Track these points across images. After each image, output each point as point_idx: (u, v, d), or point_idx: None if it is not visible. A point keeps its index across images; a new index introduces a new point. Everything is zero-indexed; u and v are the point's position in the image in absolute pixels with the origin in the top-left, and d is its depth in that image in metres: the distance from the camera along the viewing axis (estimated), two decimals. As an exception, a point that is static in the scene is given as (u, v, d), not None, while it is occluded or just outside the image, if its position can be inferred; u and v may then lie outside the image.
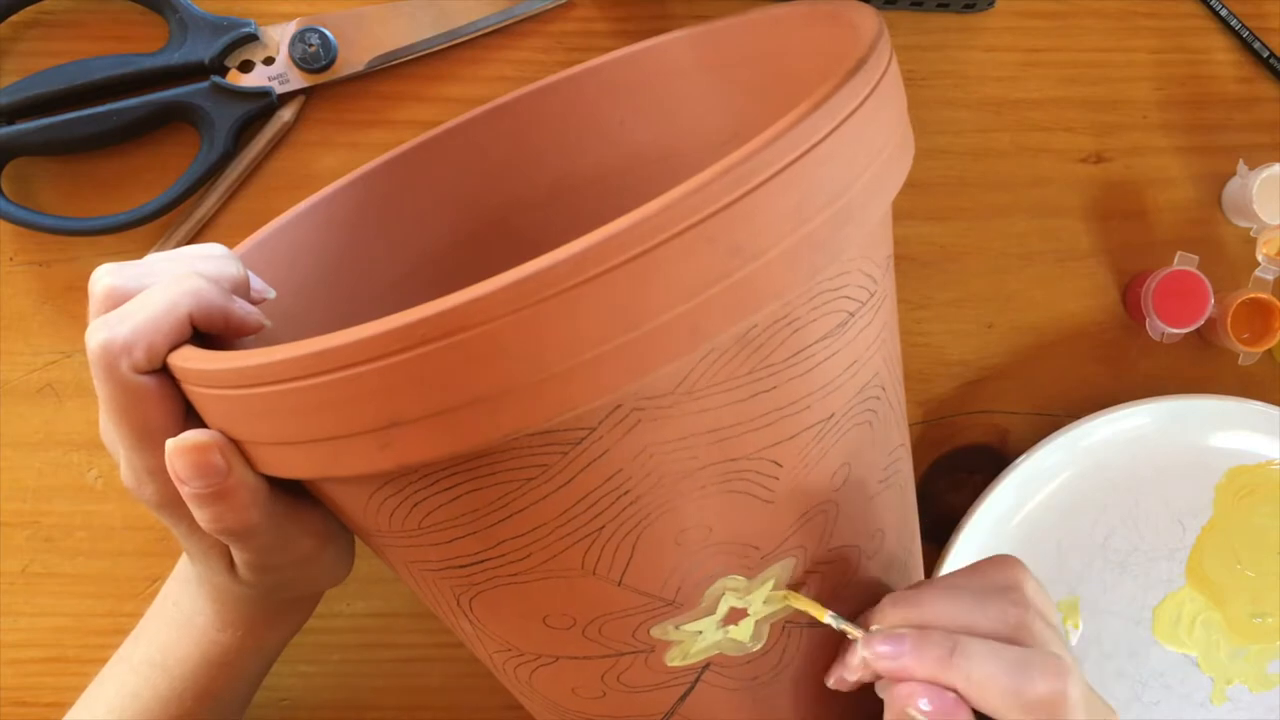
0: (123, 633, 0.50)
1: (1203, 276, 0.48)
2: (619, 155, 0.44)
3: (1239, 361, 0.51)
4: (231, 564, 0.33)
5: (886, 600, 0.32)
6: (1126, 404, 0.50)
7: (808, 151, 0.25)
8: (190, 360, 0.28)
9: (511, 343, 0.23)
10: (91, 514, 0.50)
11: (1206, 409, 0.50)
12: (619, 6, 0.49)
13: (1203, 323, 0.49)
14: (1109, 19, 0.51)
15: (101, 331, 0.29)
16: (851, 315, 0.29)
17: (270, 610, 0.38)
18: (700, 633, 0.30)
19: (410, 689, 0.51)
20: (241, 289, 0.32)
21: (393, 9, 0.48)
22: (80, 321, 0.49)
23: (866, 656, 0.30)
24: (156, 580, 0.50)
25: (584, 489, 0.27)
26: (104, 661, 0.50)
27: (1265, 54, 0.51)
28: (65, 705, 0.50)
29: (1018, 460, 0.49)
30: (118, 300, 0.30)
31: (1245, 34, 0.51)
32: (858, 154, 0.27)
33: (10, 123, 0.46)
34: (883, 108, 0.28)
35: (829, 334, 0.28)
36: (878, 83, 0.28)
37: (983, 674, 0.28)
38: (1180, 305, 0.49)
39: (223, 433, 0.29)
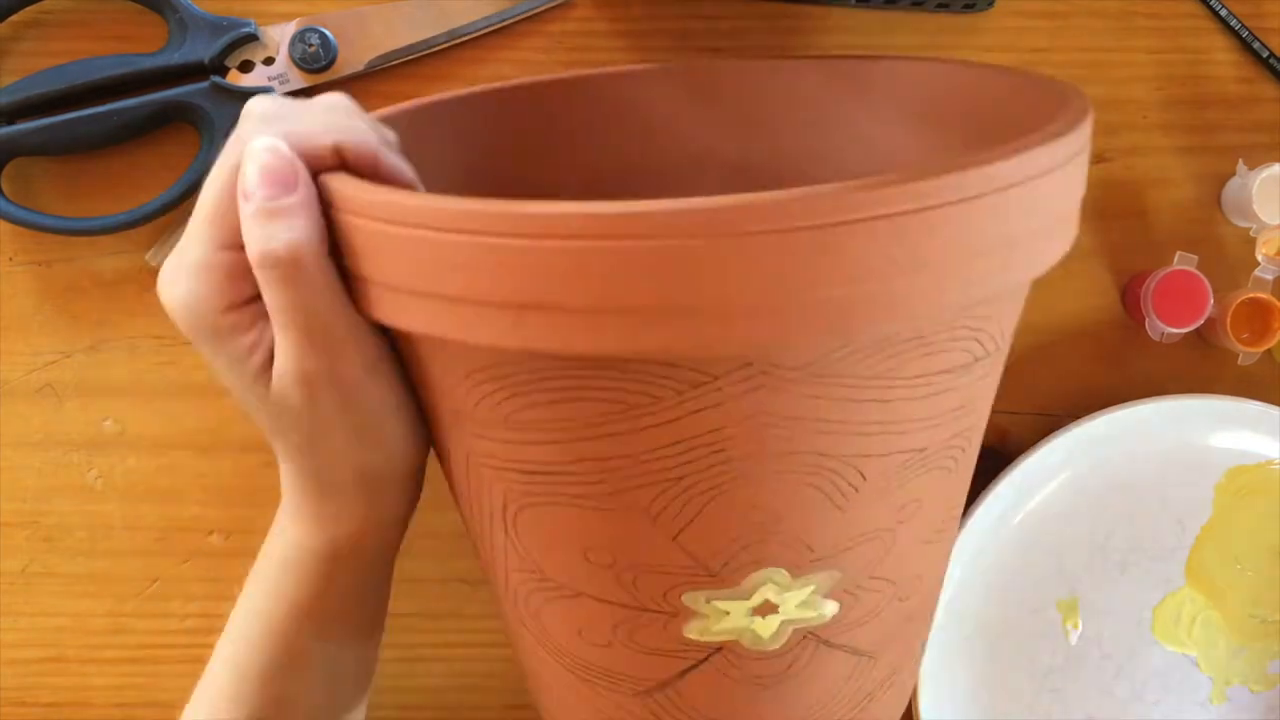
0: (123, 632, 0.50)
1: (1202, 276, 0.49)
2: (759, 155, 0.45)
3: (1239, 361, 0.51)
4: (266, 373, 0.31)
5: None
6: (1126, 404, 0.50)
7: (1004, 189, 0.25)
8: (361, 189, 0.28)
9: (689, 267, 0.23)
10: (91, 514, 0.50)
11: (1206, 409, 0.50)
12: (619, 6, 0.49)
13: (1202, 323, 0.49)
14: (1109, 19, 0.51)
15: (250, 126, 0.30)
16: (975, 360, 0.29)
17: (339, 493, 0.35)
18: (728, 613, 0.30)
19: (410, 689, 0.51)
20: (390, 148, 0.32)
21: (393, 9, 0.48)
22: (80, 321, 0.49)
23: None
24: (156, 580, 0.50)
25: (683, 433, 0.27)
26: (104, 661, 0.50)
27: (1265, 54, 0.51)
28: (65, 705, 0.50)
29: (1018, 460, 0.50)
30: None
31: (1245, 34, 0.51)
32: (1040, 212, 0.27)
33: (10, 123, 0.46)
34: (1072, 178, 0.28)
35: (953, 370, 0.28)
36: (1077, 153, 0.28)
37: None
38: (1180, 305, 0.49)
39: (347, 265, 0.28)
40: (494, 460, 0.30)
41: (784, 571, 0.30)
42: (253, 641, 0.37)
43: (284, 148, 0.29)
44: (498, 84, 0.44)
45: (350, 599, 0.38)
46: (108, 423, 0.49)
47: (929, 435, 0.29)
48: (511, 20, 0.48)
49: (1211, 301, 0.49)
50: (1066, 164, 0.27)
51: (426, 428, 0.34)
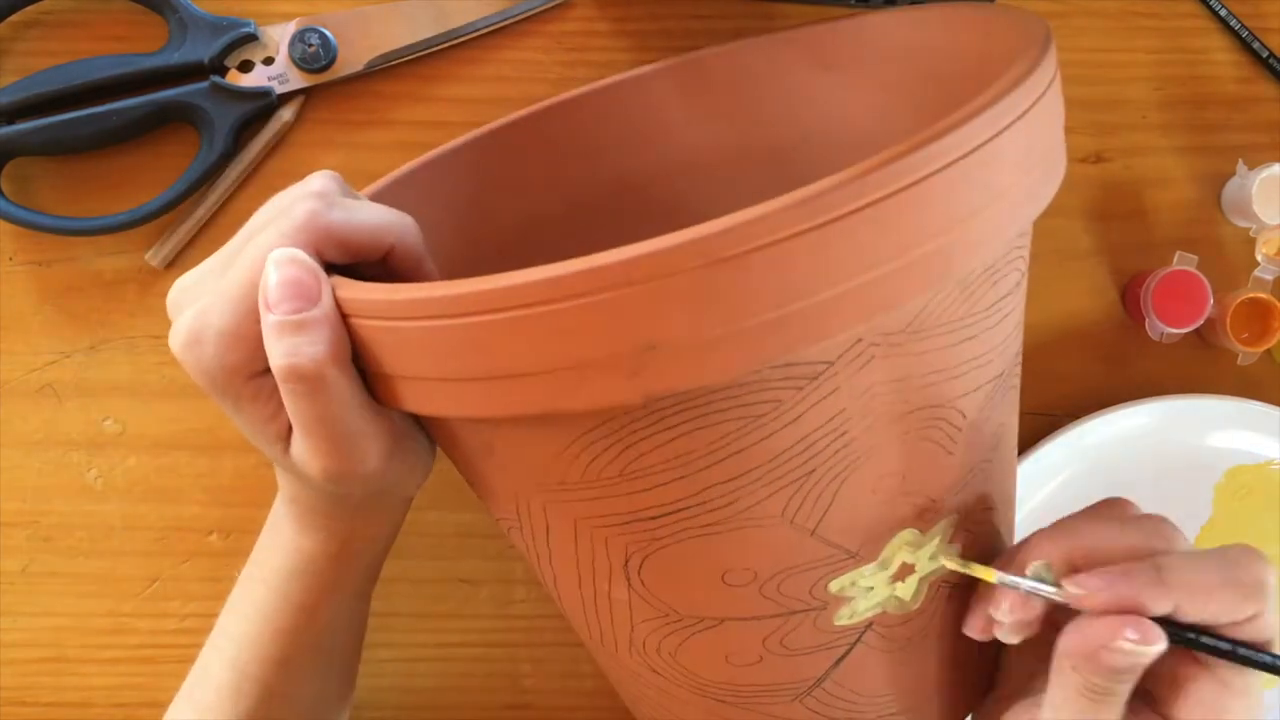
0: (123, 632, 0.50)
1: (1202, 276, 0.49)
2: (753, 139, 0.45)
3: (1238, 361, 0.51)
4: (285, 440, 0.31)
5: (1034, 538, 0.31)
6: (1126, 404, 0.50)
7: (1040, 99, 0.27)
8: (401, 291, 0.26)
9: (796, 263, 0.23)
10: (91, 514, 0.50)
11: (1206, 409, 0.50)
12: (618, 6, 0.49)
13: (1202, 323, 0.49)
14: (1109, 19, 0.51)
15: (310, 201, 0.29)
16: (1023, 276, 0.30)
17: (347, 513, 0.36)
18: (872, 588, 0.30)
19: (410, 689, 0.51)
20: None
21: (393, 9, 0.48)
22: (80, 321, 0.49)
23: (1076, 593, 0.29)
24: (156, 580, 0.50)
25: (807, 428, 0.26)
26: (104, 661, 0.50)
27: (1265, 54, 0.51)
28: (65, 705, 0.50)
29: (1018, 460, 0.49)
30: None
31: (1245, 34, 0.51)
32: (1058, 118, 0.28)
33: (10, 123, 0.46)
34: (1057, 101, 0.30)
35: (1011, 291, 0.29)
36: (1055, 73, 0.29)
37: (1197, 581, 0.28)
38: (1179, 305, 0.49)
39: (409, 373, 0.27)
40: (612, 517, 0.29)
41: (914, 530, 0.30)
42: (259, 641, 0.38)
43: (305, 257, 0.28)
44: (480, 130, 0.44)
45: (350, 602, 0.39)
46: (108, 423, 0.49)
47: (1003, 359, 0.30)
48: (511, 20, 0.48)
49: (1211, 301, 0.49)
50: (1056, 75, 0.29)
51: (432, 455, 0.34)
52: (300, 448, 0.30)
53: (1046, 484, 0.50)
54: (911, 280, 0.24)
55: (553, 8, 0.49)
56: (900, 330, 0.26)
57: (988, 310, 0.28)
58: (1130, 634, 0.28)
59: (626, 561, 0.30)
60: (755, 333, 0.24)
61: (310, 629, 0.38)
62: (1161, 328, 0.49)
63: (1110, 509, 0.33)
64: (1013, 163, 0.26)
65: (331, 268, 0.30)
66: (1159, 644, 0.28)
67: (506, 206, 0.44)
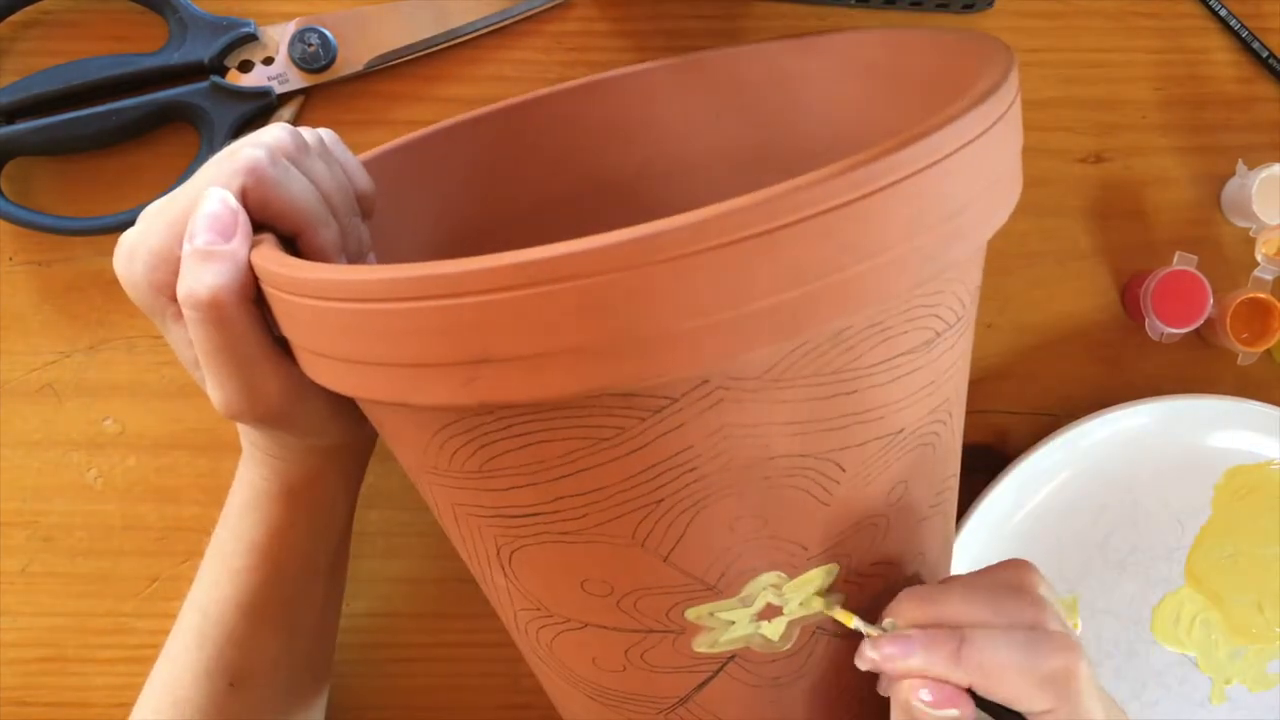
0: (123, 632, 0.50)
1: (1202, 276, 0.49)
2: (742, 142, 0.45)
3: (1238, 361, 0.51)
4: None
5: (904, 594, 0.32)
6: (1126, 404, 0.50)
7: (935, 163, 0.25)
8: (289, 267, 0.28)
9: (619, 299, 0.23)
10: (91, 514, 0.50)
11: (1205, 409, 0.50)
12: (618, 6, 0.49)
13: (1202, 323, 0.49)
14: (1108, 19, 0.51)
15: (258, 150, 0.31)
16: (938, 335, 0.29)
17: (292, 454, 0.37)
18: (733, 623, 0.30)
19: (410, 689, 0.51)
20: (366, 202, 0.36)
21: (392, 9, 0.48)
22: (80, 321, 0.49)
23: (874, 658, 0.30)
24: (156, 580, 0.50)
25: (653, 458, 0.27)
26: (104, 661, 0.50)
27: (1265, 54, 0.51)
28: (65, 705, 0.50)
29: (1017, 460, 0.50)
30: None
31: (1245, 34, 0.51)
32: (978, 176, 0.27)
33: (10, 123, 0.46)
34: (1007, 136, 0.28)
35: (915, 349, 0.28)
36: (1006, 110, 0.28)
37: (995, 660, 0.29)
38: (1179, 305, 0.49)
39: (294, 341, 0.30)
40: (479, 509, 0.30)
41: (781, 574, 0.30)
42: (216, 581, 0.39)
43: (231, 198, 0.30)
44: (480, 110, 0.44)
45: (305, 545, 0.39)
46: (108, 422, 0.49)
47: (903, 417, 0.29)
48: (511, 20, 0.48)
49: (1211, 301, 0.49)
50: (995, 124, 0.27)
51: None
52: (201, 376, 0.33)
53: (1047, 484, 0.50)
54: (754, 331, 0.24)
55: (553, 8, 0.49)
56: (755, 377, 0.26)
57: (874, 367, 0.27)
58: (924, 694, 0.29)
59: (498, 551, 0.31)
60: (580, 360, 0.24)
61: (264, 569, 0.38)
62: (1161, 328, 0.49)
63: (992, 575, 0.33)
64: (878, 229, 0.24)
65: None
66: (956, 710, 0.29)
67: (481, 197, 0.44)
